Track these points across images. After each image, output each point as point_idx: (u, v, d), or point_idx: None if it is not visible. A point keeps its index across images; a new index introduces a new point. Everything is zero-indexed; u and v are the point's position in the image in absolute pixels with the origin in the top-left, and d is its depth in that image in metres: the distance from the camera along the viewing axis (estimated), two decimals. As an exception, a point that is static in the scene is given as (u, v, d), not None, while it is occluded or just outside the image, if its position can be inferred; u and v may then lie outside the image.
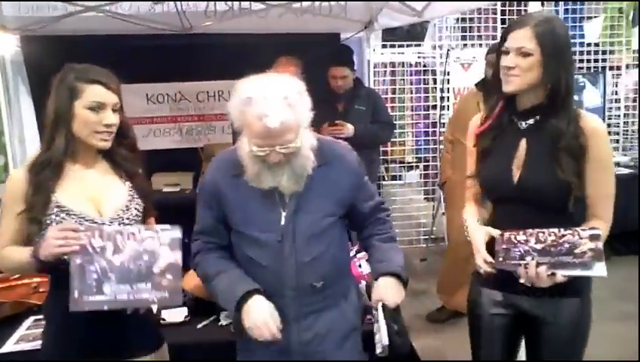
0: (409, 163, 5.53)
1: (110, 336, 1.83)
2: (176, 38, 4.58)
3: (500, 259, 1.82)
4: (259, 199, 1.82)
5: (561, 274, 1.73)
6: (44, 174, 1.79)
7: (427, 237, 5.24)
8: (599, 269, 1.72)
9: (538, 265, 1.74)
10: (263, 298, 1.75)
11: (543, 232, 1.76)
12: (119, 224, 1.80)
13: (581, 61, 5.63)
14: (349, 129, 3.89)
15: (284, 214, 1.80)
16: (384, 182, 5.40)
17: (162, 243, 1.69)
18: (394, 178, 5.70)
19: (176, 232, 1.71)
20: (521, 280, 1.78)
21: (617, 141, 5.74)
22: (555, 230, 1.75)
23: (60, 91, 1.79)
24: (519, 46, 1.80)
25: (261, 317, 1.71)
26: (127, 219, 1.84)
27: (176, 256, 1.70)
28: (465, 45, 5.39)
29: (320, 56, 4.08)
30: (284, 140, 1.68)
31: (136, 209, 1.88)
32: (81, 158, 1.85)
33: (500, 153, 1.94)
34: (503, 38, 1.88)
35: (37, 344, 2.16)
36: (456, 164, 3.87)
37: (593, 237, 1.73)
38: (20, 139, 4.75)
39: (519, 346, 2.11)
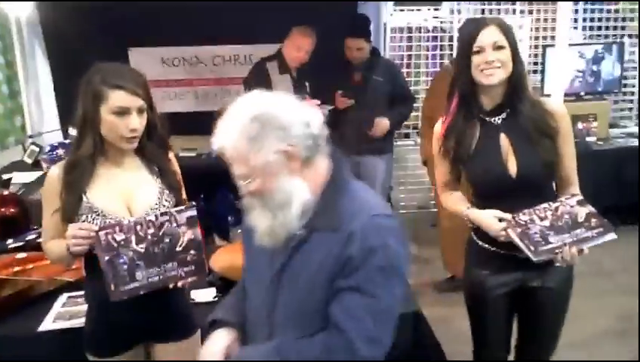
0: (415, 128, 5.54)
1: (145, 321, 1.93)
2: (193, 2, 4.53)
3: (532, 248, 1.92)
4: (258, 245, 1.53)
5: (586, 248, 1.92)
6: (75, 174, 1.85)
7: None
8: (610, 233, 1.93)
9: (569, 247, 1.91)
10: (223, 333, 1.59)
11: (538, 209, 1.95)
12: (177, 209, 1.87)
13: (599, 28, 5.57)
14: (384, 126, 3.95)
15: (275, 268, 1.48)
16: (397, 143, 5.40)
17: (180, 223, 1.82)
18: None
19: (191, 211, 1.84)
20: (557, 264, 1.95)
21: (631, 110, 5.73)
22: (545, 205, 1.96)
23: (86, 94, 1.80)
24: (494, 41, 1.95)
25: (207, 351, 1.58)
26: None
27: (195, 233, 1.84)
28: (483, 11, 5.32)
29: (336, 25, 4.04)
30: (236, 173, 1.41)
31: (166, 203, 1.92)
32: (112, 157, 1.88)
33: (484, 152, 2.05)
34: (471, 41, 1.98)
35: (74, 322, 2.27)
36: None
37: (580, 203, 1.98)
38: (36, 100, 4.79)
39: (513, 321, 2.28)
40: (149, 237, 1.79)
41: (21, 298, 2.38)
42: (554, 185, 2.12)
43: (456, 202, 2.19)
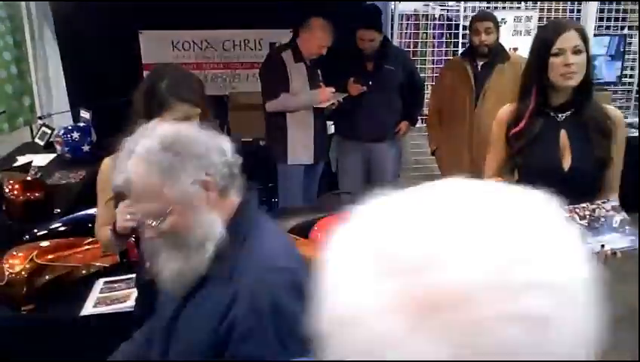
0: (426, 115, 5.61)
1: None
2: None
3: None
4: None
5: (619, 253, 2.01)
6: None
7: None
8: (636, 240, 2.02)
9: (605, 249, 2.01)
10: None
11: (579, 208, 2.03)
12: None
13: (600, 19, 5.66)
14: (406, 128, 4.18)
15: (168, 315, 1.38)
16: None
17: None
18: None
19: None
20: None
21: (629, 100, 5.86)
22: (584, 204, 2.03)
23: (150, 98, 1.89)
24: (574, 45, 2.04)
25: None
26: None
27: None
28: (488, 7, 5.36)
29: (349, 14, 4.08)
30: (143, 210, 1.29)
31: None
32: None
33: (543, 145, 2.15)
34: (551, 43, 2.06)
35: (115, 307, 2.36)
36: (445, 132, 4.03)
37: (615, 208, 2.05)
38: (45, 81, 4.78)
39: None
40: None
41: (60, 283, 2.45)
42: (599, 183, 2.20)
43: None
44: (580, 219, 2.04)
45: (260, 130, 4.13)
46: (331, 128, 4.33)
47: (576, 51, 2.03)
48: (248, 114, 4.31)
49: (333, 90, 3.85)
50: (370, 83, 3.96)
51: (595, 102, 2.15)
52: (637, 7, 5.53)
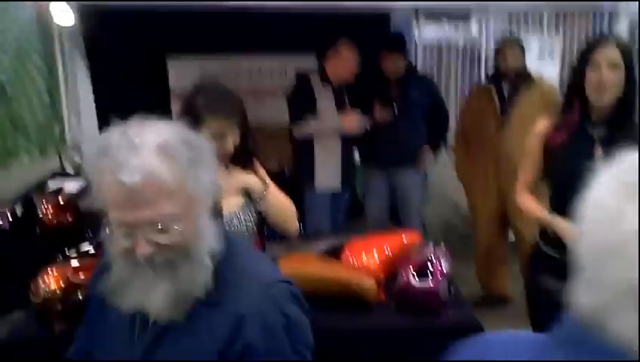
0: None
1: None
2: (230, 14, 4.63)
3: None
4: (113, 320, 1.23)
5: None
6: None
7: (466, 215, 5.37)
8: None
9: None
10: None
11: None
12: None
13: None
14: (429, 157, 4.27)
15: (137, 353, 1.19)
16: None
17: None
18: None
19: None
20: None
21: None
22: None
23: (186, 113, 1.94)
24: (611, 60, 2.01)
25: None
26: (235, 226, 2.00)
27: None
28: (510, 31, 5.42)
29: (373, 39, 4.14)
30: (155, 214, 1.07)
31: (247, 217, 2.05)
32: None
33: (577, 159, 2.09)
34: (588, 57, 2.06)
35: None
36: (471, 157, 4.05)
37: None
38: (75, 109, 4.89)
39: None
40: None
41: (93, 303, 2.47)
42: None
43: (534, 205, 2.29)
44: None
45: (286, 158, 4.17)
46: (356, 155, 4.36)
47: (613, 66, 2.01)
48: (274, 143, 4.35)
49: (360, 116, 3.88)
50: (395, 108, 4.00)
51: (635, 122, 2.10)
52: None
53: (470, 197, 4.20)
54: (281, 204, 2.11)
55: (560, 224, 2.12)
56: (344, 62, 3.82)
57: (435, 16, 5.44)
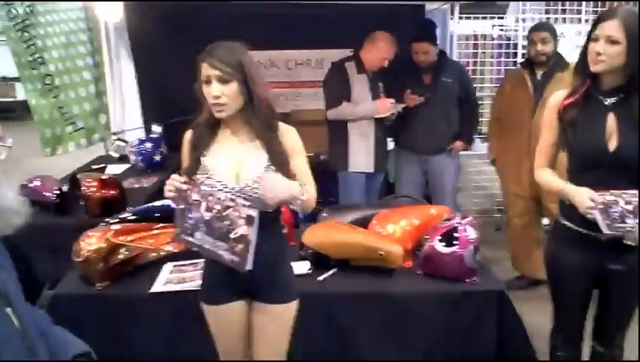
0: (484, 135, 5.64)
1: (246, 281, 2.05)
2: (268, 8, 4.77)
3: (608, 222, 2.07)
4: None
5: None
6: (197, 138, 2.07)
7: (501, 207, 5.37)
8: None
9: None
10: None
11: (626, 193, 2.07)
12: (249, 193, 1.99)
13: None
14: (460, 147, 4.25)
15: None
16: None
17: (241, 216, 1.89)
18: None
19: (253, 211, 1.88)
20: (629, 242, 2.08)
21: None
22: (634, 191, 2.06)
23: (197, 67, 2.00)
24: (609, 34, 2.08)
25: None
26: (257, 188, 1.99)
27: (250, 232, 1.88)
28: (548, 19, 5.42)
29: (407, 29, 4.21)
30: None
31: None
32: (230, 127, 2.06)
33: (590, 126, 2.18)
34: (594, 26, 2.13)
35: (183, 286, 2.49)
36: (503, 141, 4.07)
37: None
38: (120, 99, 5.11)
39: (590, 296, 2.40)
40: (215, 211, 1.93)
41: (132, 263, 2.60)
42: None
43: (551, 177, 2.32)
44: (625, 204, 2.07)
45: (321, 145, 4.26)
46: (391, 144, 4.42)
47: (611, 41, 2.07)
48: (309, 129, 4.43)
49: (393, 101, 3.96)
50: (428, 95, 4.05)
51: None
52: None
53: (504, 182, 4.22)
54: (310, 204, 2.12)
55: (574, 193, 2.16)
56: (379, 51, 3.90)
57: (470, 7, 5.47)
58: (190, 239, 2.00)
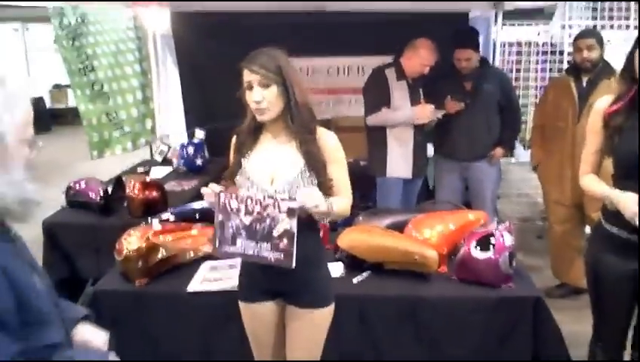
0: (527, 142, 5.55)
1: (281, 282, 2.10)
2: (310, 16, 4.83)
3: None
4: None
5: None
6: (240, 141, 2.13)
7: (543, 214, 5.27)
8: None
9: None
10: None
11: None
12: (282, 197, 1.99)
13: None
14: (500, 154, 4.19)
15: None
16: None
17: (281, 210, 1.90)
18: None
19: (293, 203, 1.90)
20: None
21: None
22: None
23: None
24: None
25: None
26: (290, 192, 2.01)
27: (292, 224, 1.89)
28: (595, 27, 5.31)
29: (449, 36, 4.19)
30: None
31: (305, 181, 2.05)
32: (270, 129, 2.10)
33: (635, 132, 2.13)
34: None
35: (219, 285, 2.54)
36: (546, 148, 4.00)
37: None
38: (165, 105, 5.25)
39: (634, 304, 2.32)
40: (255, 213, 1.94)
41: (170, 263, 2.67)
42: None
43: (596, 183, 2.29)
44: None
45: (361, 152, 4.28)
46: (430, 150, 4.41)
47: None
48: (350, 136, 4.46)
49: (433, 107, 3.94)
50: (468, 102, 4.02)
51: None
52: None
53: (546, 189, 4.14)
54: (342, 213, 2.13)
55: (620, 199, 2.11)
56: (419, 58, 3.89)
57: (514, 14, 5.41)
58: (231, 249, 2.00)
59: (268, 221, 1.93)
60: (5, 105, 1.25)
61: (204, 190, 2.05)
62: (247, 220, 1.96)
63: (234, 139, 2.17)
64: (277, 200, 1.93)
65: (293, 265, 1.92)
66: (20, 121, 1.29)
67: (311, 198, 1.93)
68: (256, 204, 1.95)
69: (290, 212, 1.91)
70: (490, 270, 2.47)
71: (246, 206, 1.96)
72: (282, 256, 1.92)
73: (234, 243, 1.99)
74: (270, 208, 1.93)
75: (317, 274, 2.16)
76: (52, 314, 1.37)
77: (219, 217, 2.00)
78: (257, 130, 2.12)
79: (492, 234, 2.53)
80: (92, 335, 1.56)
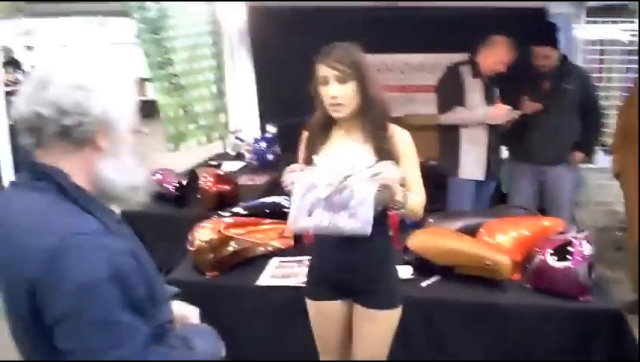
0: (608, 147, 5.30)
1: (349, 282, 2.10)
2: (382, 11, 4.78)
3: None
4: None
5: None
6: (312, 137, 2.14)
7: (623, 225, 5.03)
8: None
9: None
10: None
11: None
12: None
13: None
14: (580, 159, 4.05)
15: None
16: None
17: (362, 180, 1.90)
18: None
19: (374, 170, 1.91)
20: None
21: None
22: None
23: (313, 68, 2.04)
24: None
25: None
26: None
27: (371, 192, 1.88)
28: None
29: (526, 33, 4.05)
30: None
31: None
32: (342, 126, 2.10)
33: None
34: None
35: (287, 281, 2.57)
36: (629, 154, 3.79)
37: None
38: (239, 100, 5.34)
39: None
40: (335, 184, 1.92)
41: (240, 256, 2.71)
42: None
43: None
44: None
45: (432, 151, 4.21)
46: (504, 152, 4.28)
47: None
48: (421, 134, 4.39)
49: (509, 107, 3.82)
50: (546, 102, 3.88)
51: None
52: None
53: (628, 197, 3.95)
54: (416, 211, 2.10)
55: None
56: (496, 55, 3.77)
57: (598, 10, 5.17)
58: (306, 222, 1.96)
59: (347, 191, 1.91)
60: (116, 95, 1.29)
61: (288, 169, 2.04)
62: (326, 191, 1.93)
63: (304, 135, 2.17)
64: (359, 170, 1.92)
65: (369, 231, 1.88)
66: (129, 110, 1.33)
67: (392, 171, 1.93)
68: (337, 175, 1.93)
69: (370, 181, 1.90)
70: (567, 280, 2.38)
71: (327, 178, 1.94)
72: (359, 223, 1.89)
73: (311, 214, 1.95)
74: (351, 178, 1.92)
75: (385, 274, 2.15)
76: (163, 293, 1.42)
77: (297, 191, 1.96)
78: (328, 125, 2.12)
79: (570, 243, 2.44)
80: (187, 311, 1.59)
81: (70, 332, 1.15)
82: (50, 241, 1.15)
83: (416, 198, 2.07)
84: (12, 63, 8.90)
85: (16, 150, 2.97)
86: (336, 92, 1.97)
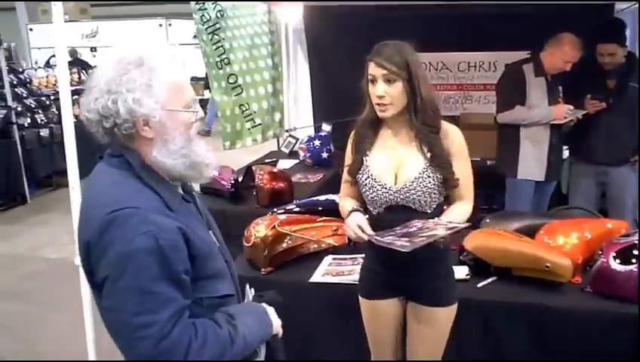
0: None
1: (404, 279, 2.10)
2: (440, 9, 4.71)
3: None
4: None
5: None
6: (361, 137, 2.11)
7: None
8: None
9: None
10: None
11: None
12: (406, 193, 2.01)
13: None
14: None
15: None
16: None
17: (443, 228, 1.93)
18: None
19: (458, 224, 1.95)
20: None
21: None
22: None
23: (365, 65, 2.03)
24: None
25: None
26: (414, 190, 2.01)
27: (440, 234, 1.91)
28: None
29: (591, 30, 3.91)
30: None
31: (429, 179, 2.01)
32: (390, 125, 2.08)
33: None
34: None
35: (339, 279, 2.56)
36: None
37: None
38: (295, 99, 5.38)
39: None
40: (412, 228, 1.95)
41: (294, 252, 2.73)
42: None
43: None
44: None
45: (488, 151, 4.13)
46: (565, 152, 4.16)
47: None
48: (477, 133, 4.34)
49: (572, 107, 3.71)
50: (611, 101, 3.74)
51: None
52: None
53: None
54: (462, 221, 2.07)
55: None
56: (563, 54, 3.65)
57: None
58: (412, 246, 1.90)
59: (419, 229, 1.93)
60: (145, 86, 1.35)
61: (349, 227, 2.06)
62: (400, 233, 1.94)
63: (352, 135, 2.15)
64: (446, 225, 1.95)
65: (409, 250, 1.83)
66: (164, 95, 1.37)
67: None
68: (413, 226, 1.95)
69: (449, 230, 1.93)
70: (631, 284, 2.28)
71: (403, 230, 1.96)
72: (408, 244, 1.85)
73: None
74: (430, 223, 1.95)
75: (441, 273, 2.13)
76: (224, 269, 1.53)
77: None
78: (377, 125, 2.10)
79: (635, 246, 2.34)
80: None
81: (109, 293, 1.29)
82: (105, 212, 1.29)
83: (462, 211, 2.08)
84: (77, 63, 9.25)
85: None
86: (382, 91, 1.95)
